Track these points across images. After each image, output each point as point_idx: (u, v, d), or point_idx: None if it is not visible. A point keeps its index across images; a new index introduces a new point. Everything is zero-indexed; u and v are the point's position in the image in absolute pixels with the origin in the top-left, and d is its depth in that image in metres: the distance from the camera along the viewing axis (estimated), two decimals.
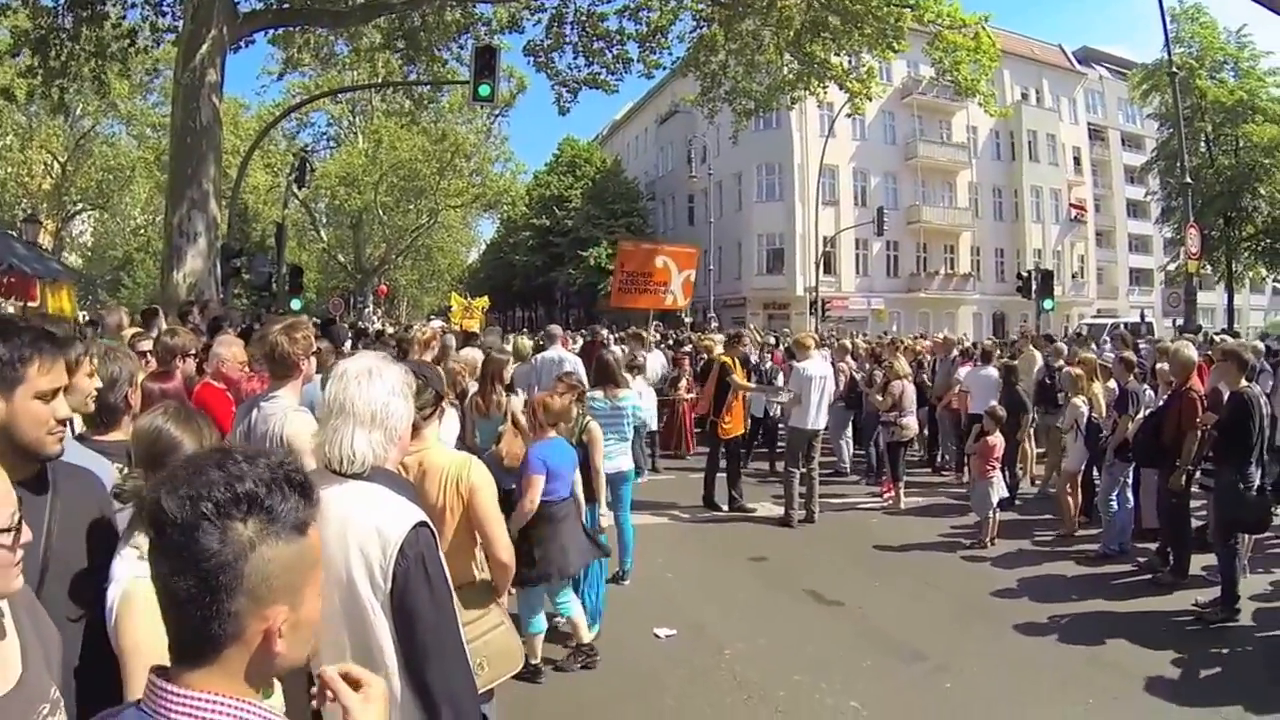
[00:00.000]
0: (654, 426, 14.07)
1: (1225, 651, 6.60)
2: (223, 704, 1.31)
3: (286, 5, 19.52)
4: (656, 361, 14.98)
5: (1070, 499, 10.09)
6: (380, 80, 28.12)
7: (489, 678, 3.35)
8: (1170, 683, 6.03)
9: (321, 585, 1.44)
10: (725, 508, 11.19)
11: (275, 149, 43.38)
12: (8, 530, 1.65)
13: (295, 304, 22.78)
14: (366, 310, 43.65)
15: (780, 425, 13.59)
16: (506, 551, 3.76)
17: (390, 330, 20.80)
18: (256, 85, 69.18)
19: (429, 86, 25.99)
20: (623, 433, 8.01)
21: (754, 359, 14.93)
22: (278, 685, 2.23)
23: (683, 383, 15.18)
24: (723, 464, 11.43)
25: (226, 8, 16.52)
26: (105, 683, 2.11)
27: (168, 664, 1.39)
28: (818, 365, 11.09)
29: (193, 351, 5.96)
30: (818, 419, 10.86)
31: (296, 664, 1.43)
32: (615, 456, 7.77)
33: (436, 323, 30.04)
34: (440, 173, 45.13)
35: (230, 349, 5.94)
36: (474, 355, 8.80)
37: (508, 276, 63.45)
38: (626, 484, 8.10)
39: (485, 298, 36.91)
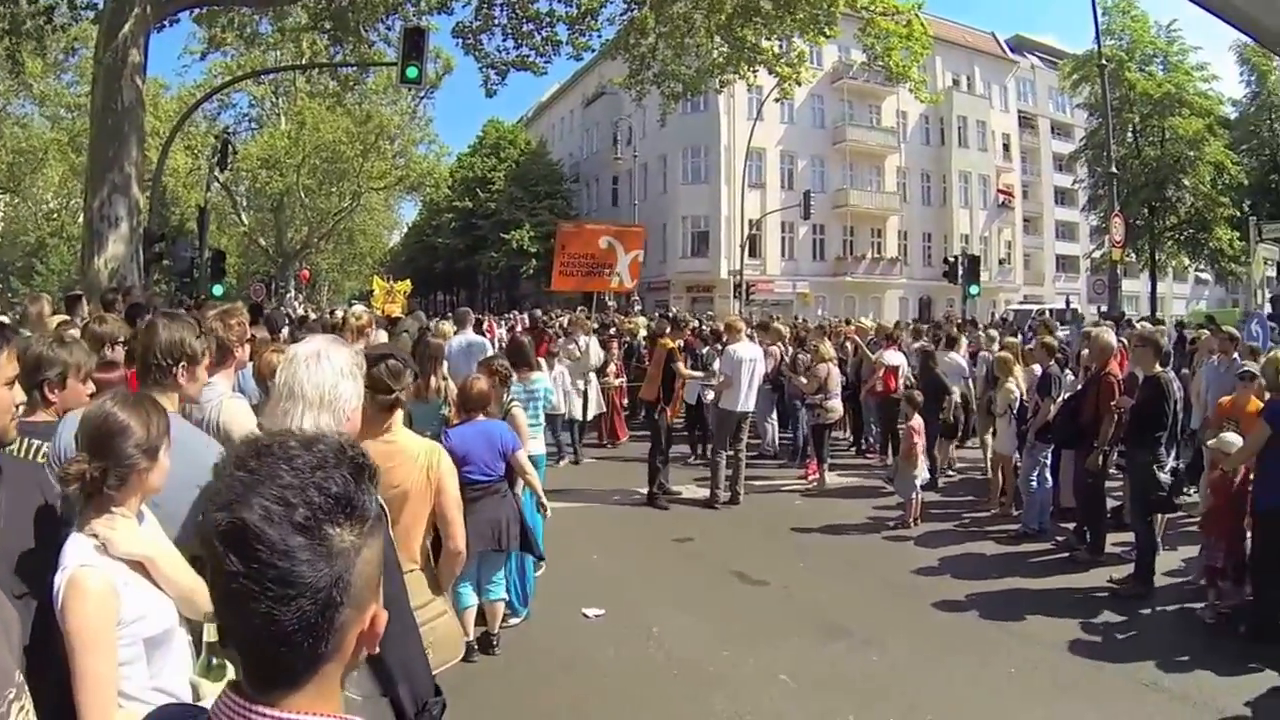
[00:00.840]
0: (593, 413, 14.14)
1: (1139, 622, 6.87)
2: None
3: None
4: (596, 347, 14.63)
5: (1003, 480, 10.34)
6: (306, 61, 27.47)
7: (435, 663, 3.38)
8: (1087, 651, 6.26)
9: None
10: (656, 491, 11.03)
11: (196, 131, 42.14)
12: None
13: (217, 290, 22.21)
14: (288, 295, 42.87)
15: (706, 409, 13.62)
16: (463, 539, 3.80)
17: (313, 316, 20.55)
18: (178, 65, 67.52)
19: (356, 68, 25.55)
20: (536, 416, 8.01)
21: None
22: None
23: (611, 368, 14.93)
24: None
25: None
26: (52, 660, 2.14)
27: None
28: (748, 348, 11.15)
29: (121, 339, 5.66)
30: (747, 401, 10.90)
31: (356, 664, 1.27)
32: (529, 440, 7.68)
33: (359, 307, 29.81)
34: (364, 155, 44.64)
35: None
36: (405, 342, 8.86)
37: (430, 260, 63.15)
38: (538, 469, 7.92)
39: (407, 281, 36.53)
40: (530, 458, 7.54)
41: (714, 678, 5.75)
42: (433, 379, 7.53)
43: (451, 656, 3.68)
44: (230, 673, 2.20)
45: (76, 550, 2.26)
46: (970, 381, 12.78)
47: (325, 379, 2.67)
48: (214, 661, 2.30)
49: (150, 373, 3.22)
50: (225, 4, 20.48)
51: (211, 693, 2.11)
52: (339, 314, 16.63)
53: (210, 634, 2.31)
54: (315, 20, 21.21)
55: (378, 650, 1.26)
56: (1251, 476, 6.82)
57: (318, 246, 51.84)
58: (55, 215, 46.75)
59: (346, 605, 1.15)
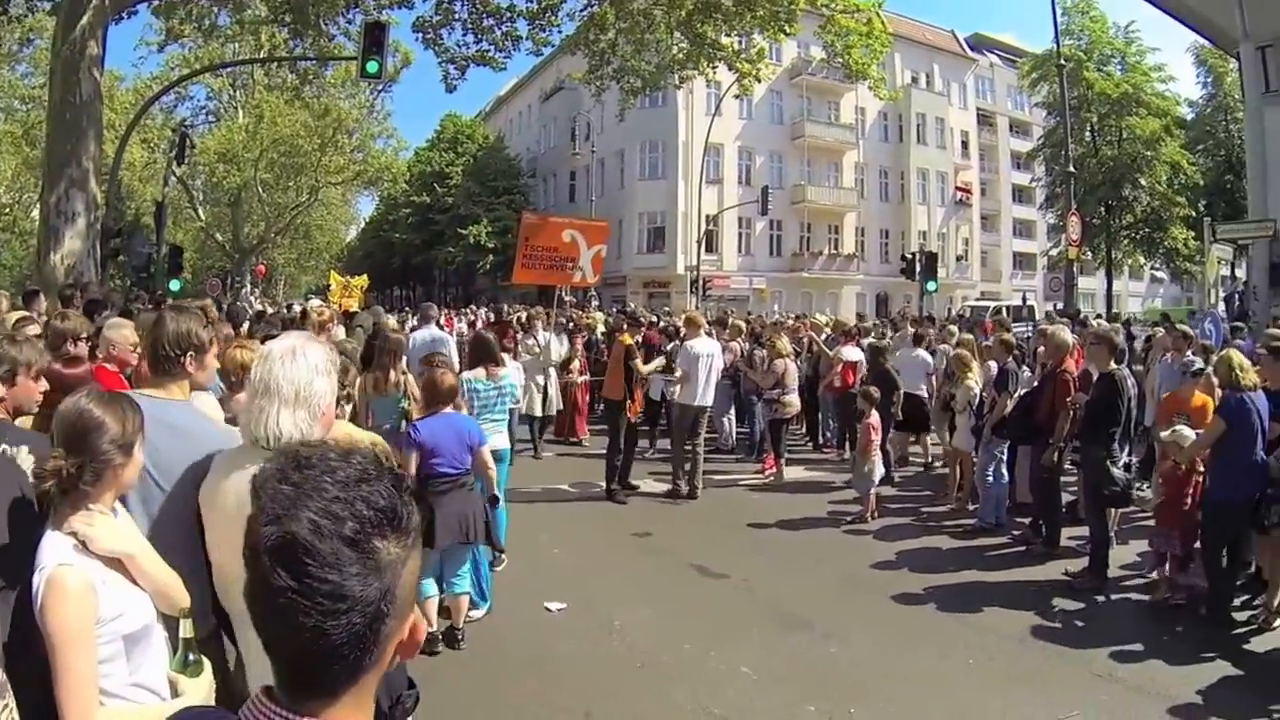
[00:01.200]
0: (554, 409, 14.01)
1: (1093, 613, 7.00)
2: None
3: None
4: (556, 343, 14.12)
5: (961, 475, 10.51)
6: (266, 55, 27.17)
7: None
8: (1043, 642, 6.39)
9: None
10: (615, 487, 11.06)
11: (152, 124, 41.11)
12: None
13: (174, 285, 22.25)
14: (244, 290, 42.45)
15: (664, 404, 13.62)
16: None
17: (269, 310, 20.37)
18: (134, 56, 66.74)
19: (316, 62, 25.31)
20: (503, 411, 8.03)
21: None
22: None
23: (575, 364, 14.79)
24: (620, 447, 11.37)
25: None
26: (33, 658, 2.17)
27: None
28: (705, 343, 11.26)
29: (84, 335, 5.78)
30: (705, 396, 11.02)
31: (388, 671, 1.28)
32: (493, 435, 7.69)
33: (315, 301, 29.43)
34: (322, 149, 44.12)
35: (120, 331, 5.80)
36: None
37: (387, 255, 62.75)
38: (502, 464, 7.99)
39: (364, 276, 36.32)
40: (495, 452, 7.55)
41: (676, 671, 5.80)
42: (392, 373, 7.52)
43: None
44: (207, 668, 2.43)
45: (54, 549, 2.28)
46: (933, 378, 12.90)
47: (301, 375, 2.71)
48: (190, 657, 2.38)
49: (160, 364, 3.26)
50: None
51: (189, 688, 2.34)
52: (296, 309, 16.52)
53: (186, 630, 2.40)
54: (275, 13, 20.97)
55: None
56: (1202, 469, 7.06)
57: (274, 241, 51.24)
58: (8, 210, 45.72)
59: (392, 617, 1.14)
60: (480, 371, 7.82)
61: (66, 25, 15.02)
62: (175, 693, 2.37)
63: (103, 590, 2.26)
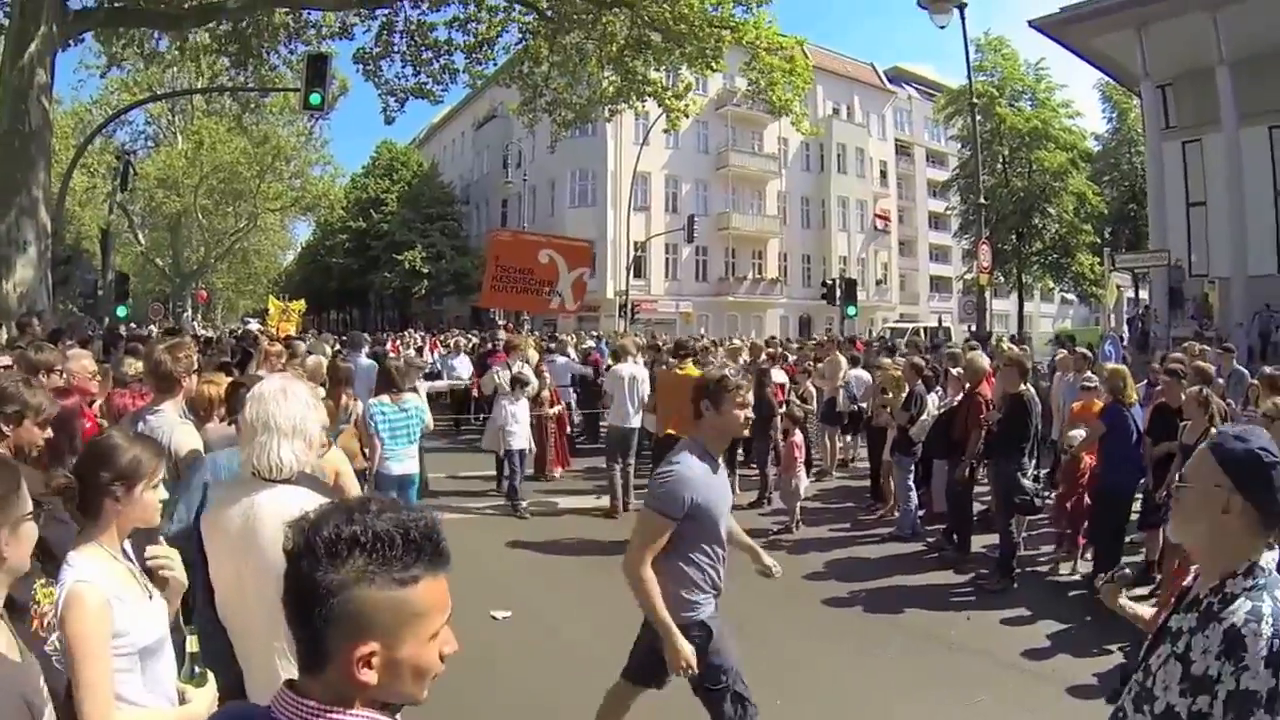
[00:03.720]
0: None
1: (1002, 612, 7.63)
2: (315, 710, 1.43)
3: (121, 4, 18.71)
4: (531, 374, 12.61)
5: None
6: (208, 82, 26.96)
7: None
8: (959, 635, 7.07)
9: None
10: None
11: (91, 149, 40.76)
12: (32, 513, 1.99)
13: (121, 311, 22.09)
14: (185, 315, 42.07)
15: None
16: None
17: (210, 335, 20.31)
18: (73, 80, 65.32)
19: (257, 91, 25.41)
20: (411, 436, 8.15)
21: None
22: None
23: (545, 394, 13.41)
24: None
25: (57, 5, 15.93)
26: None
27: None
28: (630, 367, 11.69)
29: (58, 367, 5.82)
30: (633, 417, 11.37)
31: (407, 699, 1.52)
32: (405, 460, 8.07)
33: (254, 325, 29.14)
34: (260, 175, 44.09)
35: (80, 362, 6.14)
36: (318, 362, 9.10)
37: (324, 279, 62.31)
38: (413, 487, 8.34)
39: (302, 301, 36.23)
40: (407, 477, 8.04)
41: (616, 673, 6.16)
42: (342, 399, 7.90)
43: None
44: (211, 680, 2.62)
45: (76, 566, 2.45)
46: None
47: (295, 411, 2.99)
48: (196, 669, 2.60)
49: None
50: (132, 25, 20.17)
51: (196, 697, 2.53)
52: (239, 331, 16.35)
53: (192, 645, 2.63)
54: (219, 43, 21.17)
55: None
56: (1093, 464, 8.47)
57: (214, 267, 50.91)
58: None
59: (330, 622, 1.41)
60: (385, 398, 8.08)
61: (14, 53, 15.03)
62: (183, 701, 2.57)
63: (119, 606, 2.42)
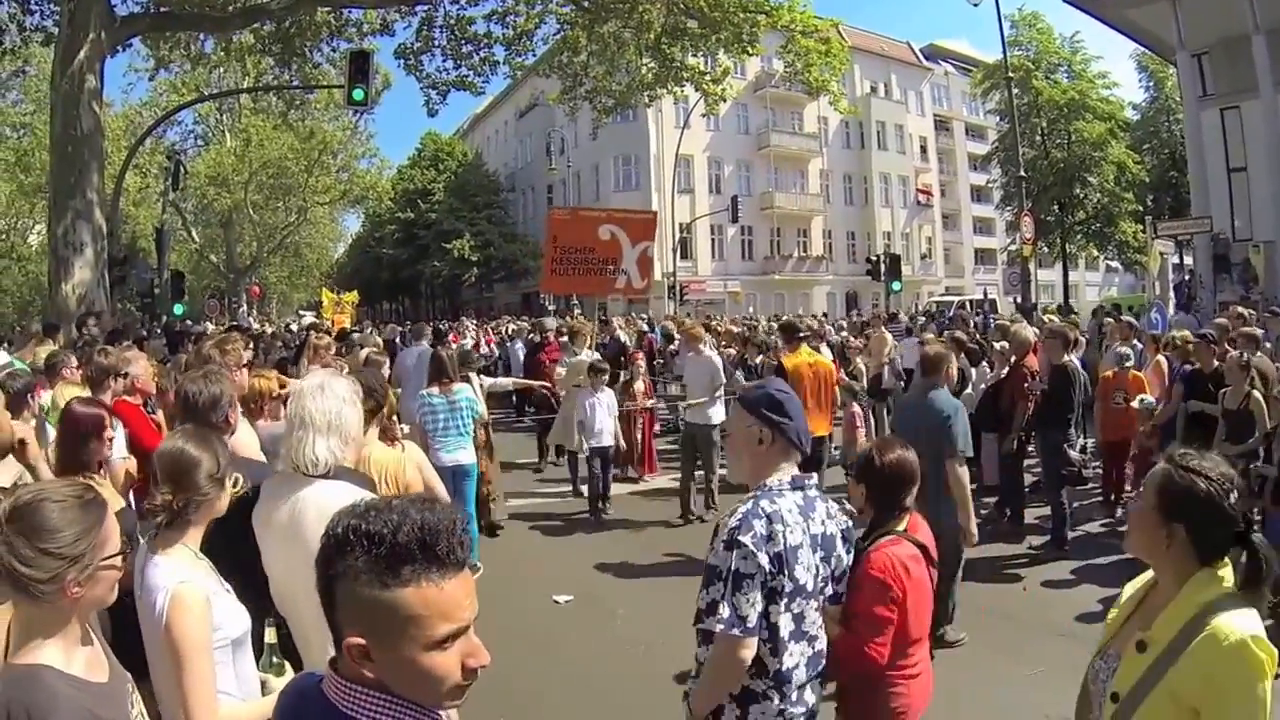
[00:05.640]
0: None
1: (1056, 581, 7.80)
2: (343, 685, 1.49)
3: (165, 9, 18.94)
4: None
5: None
6: (255, 83, 27.57)
7: None
8: (1016, 606, 7.29)
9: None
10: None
11: (142, 149, 41.27)
12: (119, 554, 2.03)
13: (178, 309, 22.56)
14: (241, 310, 42.53)
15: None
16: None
17: (269, 330, 20.60)
18: (122, 83, 65.96)
19: (301, 89, 25.70)
20: (461, 427, 8.10)
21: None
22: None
23: (639, 385, 12.43)
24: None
25: (104, 12, 16.16)
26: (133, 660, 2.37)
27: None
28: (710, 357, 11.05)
29: (125, 371, 5.96)
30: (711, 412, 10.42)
31: (422, 701, 1.49)
32: (455, 450, 8.00)
33: (309, 317, 29.35)
34: (308, 170, 44.31)
35: (140, 364, 6.28)
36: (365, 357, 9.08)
37: (374, 270, 62.77)
38: (469, 479, 8.17)
39: (354, 292, 36.60)
40: (460, 468, 8.01)
41: (677, 651, 6.27)
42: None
43: None
44: (288, 668, 2.72)
45: (169, 569, 2.52)
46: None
47: (330, 406, 3.07)
48: (275, 659, 2.71)
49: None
50: (177, 29, 20.41)
51: (277, 686, 2.56)
52: (294, 326, 16.65)
53: (271, 636, 2.74)
54: (263, 43, 21.50)
55: None
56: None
57: (267, 261, 51.42)
58: (4, 235, 45.49)
59: (334, 608, 1.47)
60: (434, 388, 8.14)
61: (64, 60, 15.35)
62: (265, 690, 2.64)
63: (215, 601, 2.51)
